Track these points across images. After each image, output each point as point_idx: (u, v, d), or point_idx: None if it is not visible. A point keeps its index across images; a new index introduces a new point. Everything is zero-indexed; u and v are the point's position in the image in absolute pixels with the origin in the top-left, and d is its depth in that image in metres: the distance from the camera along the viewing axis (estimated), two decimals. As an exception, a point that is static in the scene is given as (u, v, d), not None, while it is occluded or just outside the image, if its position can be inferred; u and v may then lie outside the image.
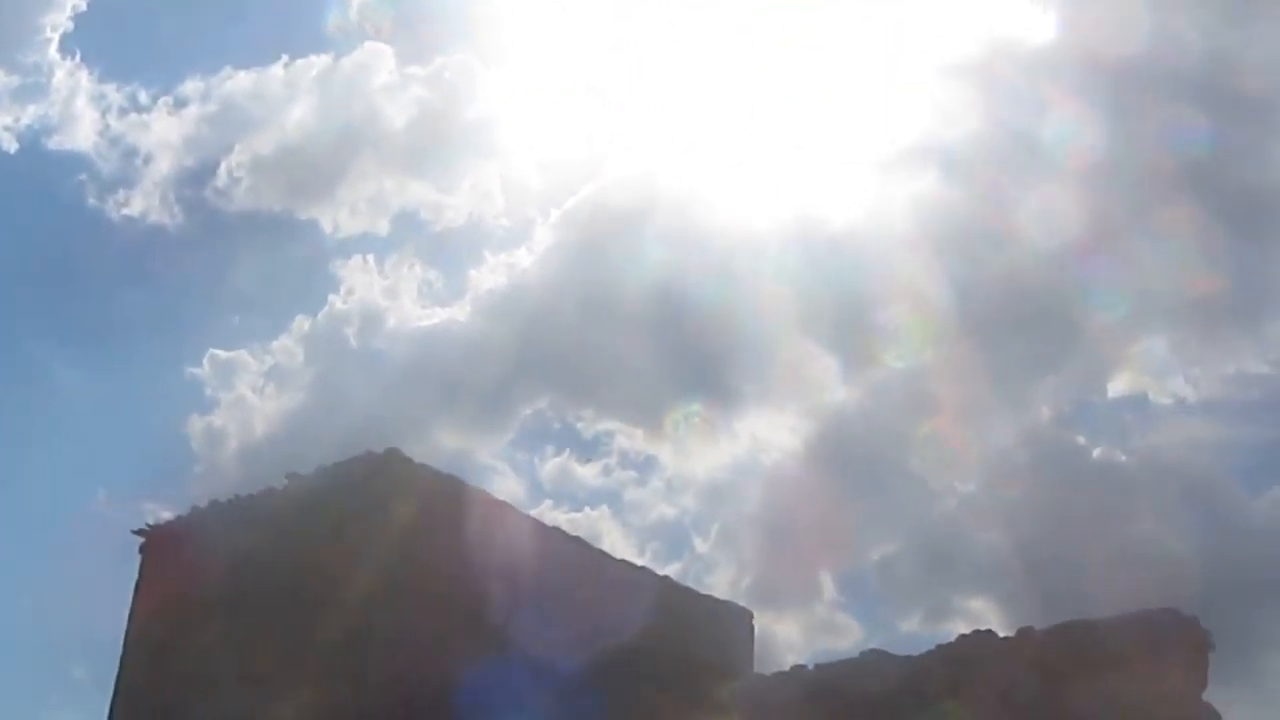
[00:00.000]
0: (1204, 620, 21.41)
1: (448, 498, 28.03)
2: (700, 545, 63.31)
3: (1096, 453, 59.14)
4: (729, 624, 31.60)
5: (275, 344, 67.90)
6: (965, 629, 22.60)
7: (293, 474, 28.35)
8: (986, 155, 60.18)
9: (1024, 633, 21.75)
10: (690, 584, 33.29)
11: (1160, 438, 63.33)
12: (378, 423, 52.55)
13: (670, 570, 39.12)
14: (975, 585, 56.36)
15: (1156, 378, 62.73)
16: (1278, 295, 62.06)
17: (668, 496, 65.71)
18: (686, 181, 68.66)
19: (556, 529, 30.74)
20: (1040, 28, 65.96)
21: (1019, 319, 57.38)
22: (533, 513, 32.48)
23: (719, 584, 52.98)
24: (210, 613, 27.98)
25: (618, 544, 49.67)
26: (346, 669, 25.71)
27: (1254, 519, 54.98)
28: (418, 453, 28.75)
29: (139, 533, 30.61)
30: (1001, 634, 22.14)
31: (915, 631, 55.66)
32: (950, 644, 22.13)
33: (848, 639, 56.43)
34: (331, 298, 67.52)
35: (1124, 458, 59.15)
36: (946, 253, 56.37)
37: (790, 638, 52.39)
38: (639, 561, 33.28)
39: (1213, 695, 21.10)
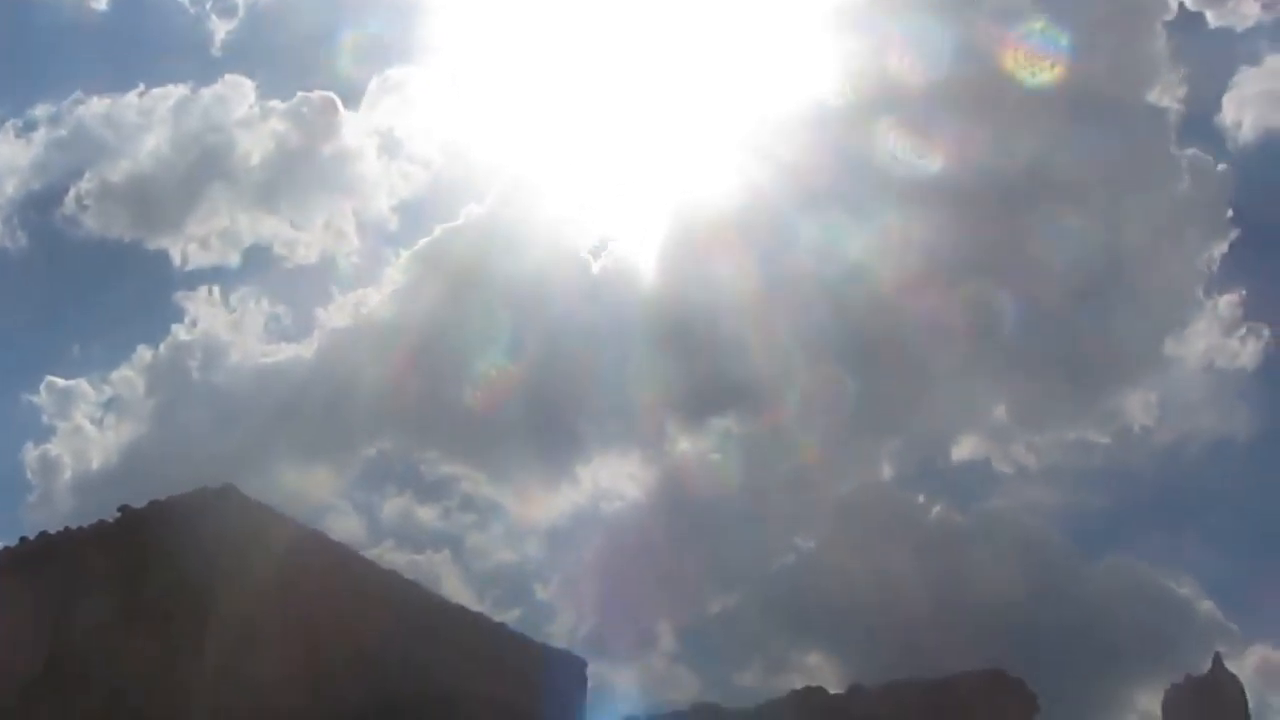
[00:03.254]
0: (1031, 682, 21.69)
1: (284, 537, 27.50)
2: (540, 592, 63.18)
3: (935, 511, 60.09)
4: (563, 673, 31.34)
5: (115, 374, 66.78)
6: (802, 684, 22.65)
7: (125, 507, 27.61)
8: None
9: (854, 690, 21.87)
10: (529, 632, 32.98)
11: (1000, 502, 64.60)
12: (217, 458, 51.89)
13: (509, 617, 38.85)
14: (813, 640, 56.93)
15: (1000, 444, 64.06)
16: (1121, 367, 63.77)
17: (509, 542, 65.50)
18: (540, 226, 68.65)
19: (393, 572, 30.32)
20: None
21: (865, 380, 58.19)
22: (373, 553, 32.11)
23: (558, 632, 52.87)
24: (37, 647, 27.13)
25: (457, 589, 49.38)
26: (169, 713, 25.06)
27: (1090, 585, 56.16)
28: (257, 489, 28.24)
29: (-39, 564, 29.59)
30: (832, 690, 22.23)
31: (752, 685, 55.95)
32: (780, 699, 22.18)
33: (685, 691, 56.56)
34: (175, 328, 66.59)
35: (962, 519, 60.16)
36: (797, 309, 56.99)
37: (627, 689, 52.29)
38: (477, 607, 32.95)
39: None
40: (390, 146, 79.13)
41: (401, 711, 22.58)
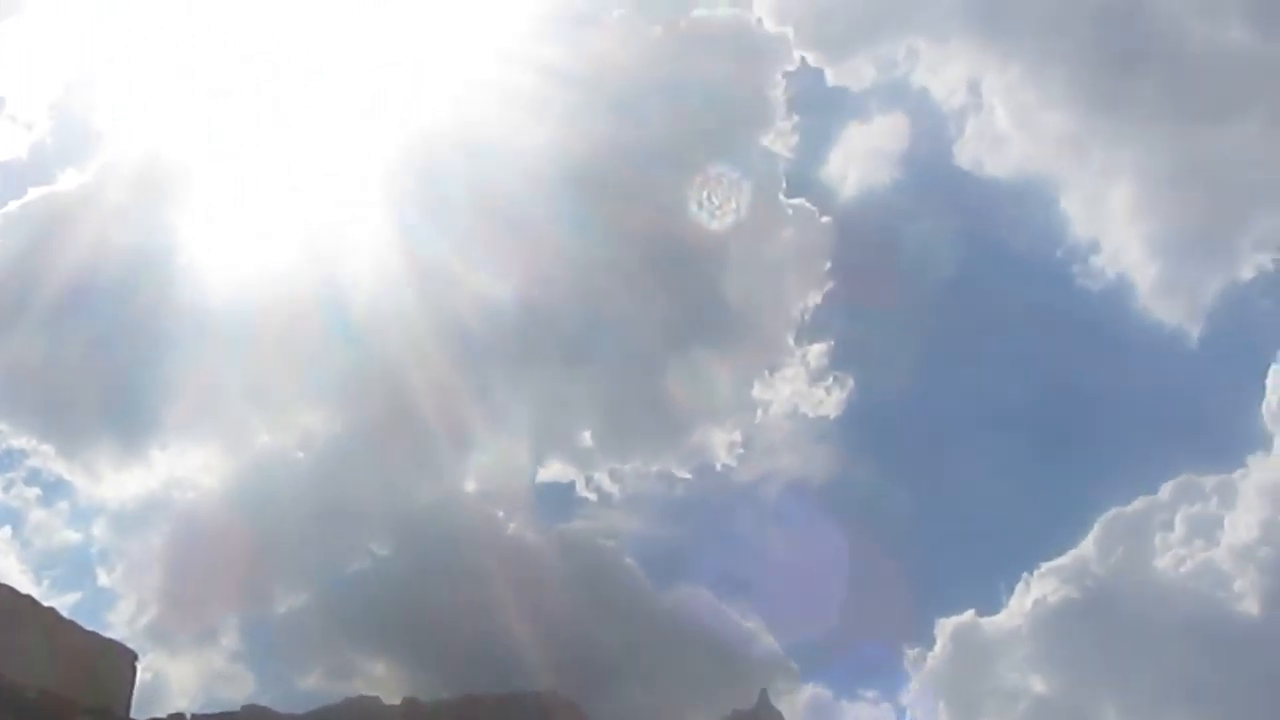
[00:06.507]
0: (590, 704, 21.93)
1: None
2: (104, 578, 60.64)
3: (512, 528, 60.31)
4: (110, 663, 30.14)
5: None
6: (365, 691, 22.43)
7: None
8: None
9: (408, 703, 21.73)
10: (87, 618, 31.61)
11: (579, 524, 65.36)
12: None
13: (68, 601, 37.28)
14: (381, 648, 56.24)
15: (584, 469, 64.80)
16: (709, 406, 65.71)
17: (75, 522, 62.68)
18: (141, 201, 66.22)
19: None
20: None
21: (459, 395, 58.18)
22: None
23: (118, 620, 50.89)
24: None
25: (13, 568, 47.01)
26: None
27: (659, 612, 57.31)
28: None
29: None
30: (388, 701, 22.02)
31: (314, 689, 54.89)
32: (334, 706, 21.87)
33: (242, 690, 55.12)
34: None
35: (538, 538, 60.55)
36: (393, 314, 56.64)
37: (185, 682, 50.81)
38: (33, 589, 31.49)
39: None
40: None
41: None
